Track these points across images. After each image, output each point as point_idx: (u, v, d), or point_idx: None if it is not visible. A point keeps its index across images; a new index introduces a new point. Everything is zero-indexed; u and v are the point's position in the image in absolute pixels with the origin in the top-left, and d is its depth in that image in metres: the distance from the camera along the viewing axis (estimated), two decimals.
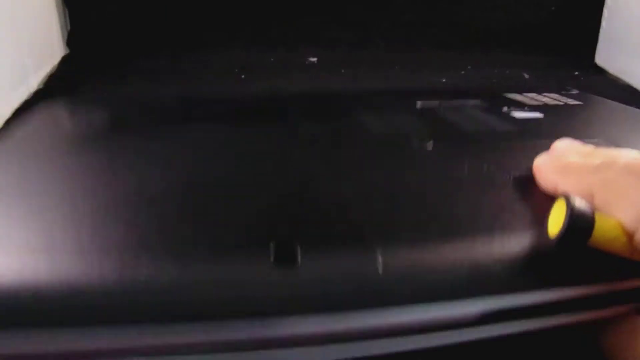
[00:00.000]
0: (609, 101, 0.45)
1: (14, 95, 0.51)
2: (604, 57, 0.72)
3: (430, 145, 0.30)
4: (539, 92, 0.46)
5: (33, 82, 0.55)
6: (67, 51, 0.66)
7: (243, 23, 0.72)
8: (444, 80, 0.63)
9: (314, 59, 0.69)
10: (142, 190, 0.23)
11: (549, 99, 0.44)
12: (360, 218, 0.21)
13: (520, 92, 0.46)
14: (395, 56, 0.72)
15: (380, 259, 0.18)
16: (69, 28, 0.67)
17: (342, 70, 0.66)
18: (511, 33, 0.75)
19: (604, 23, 0.72)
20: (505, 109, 0.39)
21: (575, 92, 0.48)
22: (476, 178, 0.26)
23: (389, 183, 0.25)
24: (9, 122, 0.34)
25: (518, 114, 0.38)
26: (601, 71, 0.71)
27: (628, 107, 0.43)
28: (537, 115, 0.38)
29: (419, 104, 0.40)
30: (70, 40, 0.66)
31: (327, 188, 0.24)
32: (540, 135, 0.33)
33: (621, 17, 0.70)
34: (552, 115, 0.38)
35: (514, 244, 0.20)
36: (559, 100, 0.43)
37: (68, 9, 0.66)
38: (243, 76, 0.63)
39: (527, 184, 0.25)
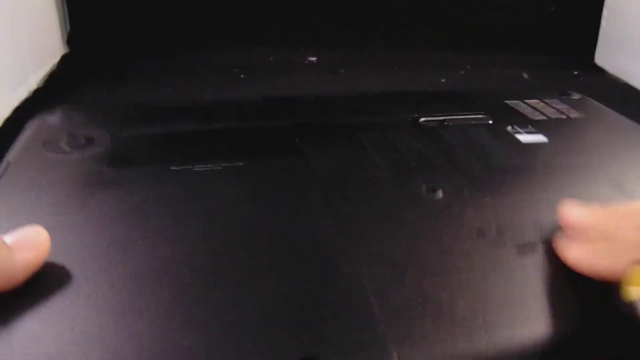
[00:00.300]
0: (611, 112, 0.44)
1: (13, 94, 0.51)
2: (603, 57, 0.72)
3: (439, 193, 0.30)
4: (540, 98, 0.46)
5: (32, 81, 0.55)
6: (67, 50, 0.66)
7: (243, 23, 0.72)
8: (443, 80, 0.63)
9: (314, 59, 0.70)
10: (152, 280, 0.22)
11: (551, 108, 0.43)
12: (378, 313, 0.20)
13: (522, 98, 0.46)
14: (395, 56, 0.72)
15: None
16: (68, 27, 0.67)
17: (342, 71, 0.66)
18: (511, 33, 0.75)
19: (603, 23, 0.72)
20: (509, 128, 0.39)
21: (576, 97, 0.47)
22: (491, 248, 0.25)
23: (402, 257, 0.24)
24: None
25: (523, 138, 0.37)
26: (601, 71, 0.71)
27: (629, 121, 0.42)
28: (542, 139, 0.37)
29: (422, 120, 0.40)
30: (70, 39, 0.66)
31: (342, 269, 0.23)
32: (549, 172, 0.33)
33: (621, 17, 0.69)
34: (557, 140, 0.37)
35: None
36: (561, 112, 0.43)
37: (68, 8, 0.66)
38: (242, 76, 0.63)
39: (545, 257, 0.24)
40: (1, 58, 0.49)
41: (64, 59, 0.64)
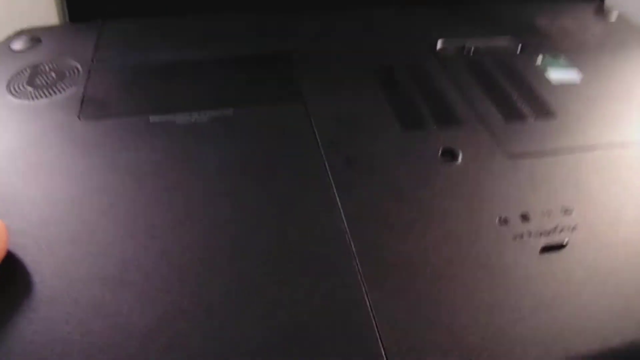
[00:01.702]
0: None
1: None
2: None
3: (457, 158, 0.26)
4: (573, 17, 0.39)
5: None
6: None
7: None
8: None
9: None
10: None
11: (585, 33, 0.37)
12: (378, 327, 0.19)
13: (553, 17, 0.39)
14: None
15: None
16: (67, 21, 0.67)
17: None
18: None
19: None
20: (539, 61, 0.34)
21: (613, 16, 0.42)
22: (513, 242, 0.21)
23: (409, 256, 0.21)
24: None
25: (555, 76, 0.33)
26: None
27: None
28: (574, 77, 0.33)
29: (440, 47, 0.34)
30: None
31: (344, 273, 0.21)
32: (582, 122, 0.29)
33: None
34: (590, 77, 0.32)
35: None
36: (596, 37, 0.36)
37: (67, 3, 0.66)
38: None
39: (574, 252, 0.22)
40: None
41: None
